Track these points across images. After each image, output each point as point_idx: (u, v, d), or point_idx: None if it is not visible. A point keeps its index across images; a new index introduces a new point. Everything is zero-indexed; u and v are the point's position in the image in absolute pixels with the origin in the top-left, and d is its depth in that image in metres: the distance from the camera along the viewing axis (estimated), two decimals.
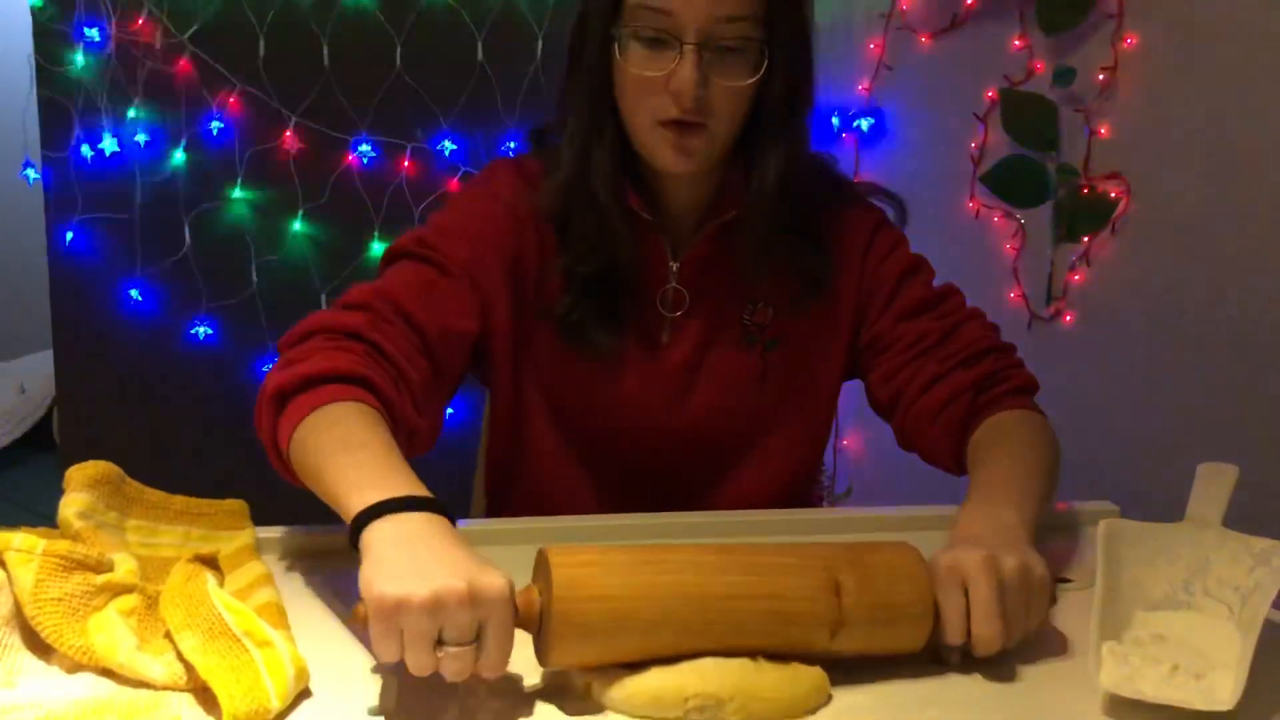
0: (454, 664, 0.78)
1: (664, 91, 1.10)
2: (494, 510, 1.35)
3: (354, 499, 0.85)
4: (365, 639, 0.93)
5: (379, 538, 0.82)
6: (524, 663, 0.90)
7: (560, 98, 1.20)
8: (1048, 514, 1.21)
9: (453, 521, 0.85)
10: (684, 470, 1.27)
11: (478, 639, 0.78)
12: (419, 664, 0.77)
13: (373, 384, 1.00)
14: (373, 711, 0.82)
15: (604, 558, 0.84)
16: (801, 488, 1.34)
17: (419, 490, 0.86)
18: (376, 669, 0.87)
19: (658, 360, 1.23)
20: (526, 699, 0.85)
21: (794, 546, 0.91)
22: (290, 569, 1.06)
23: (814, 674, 0.86)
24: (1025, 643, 0.91)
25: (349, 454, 0.91)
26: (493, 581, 0.78)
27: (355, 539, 0.84)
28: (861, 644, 0.88)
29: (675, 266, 1.22)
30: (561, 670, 0.85)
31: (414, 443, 1.07)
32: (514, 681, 0.86)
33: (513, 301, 1.19)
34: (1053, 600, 0.94)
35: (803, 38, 1.17)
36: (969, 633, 0.87)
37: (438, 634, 0.77)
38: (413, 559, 0.79)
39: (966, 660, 0.89)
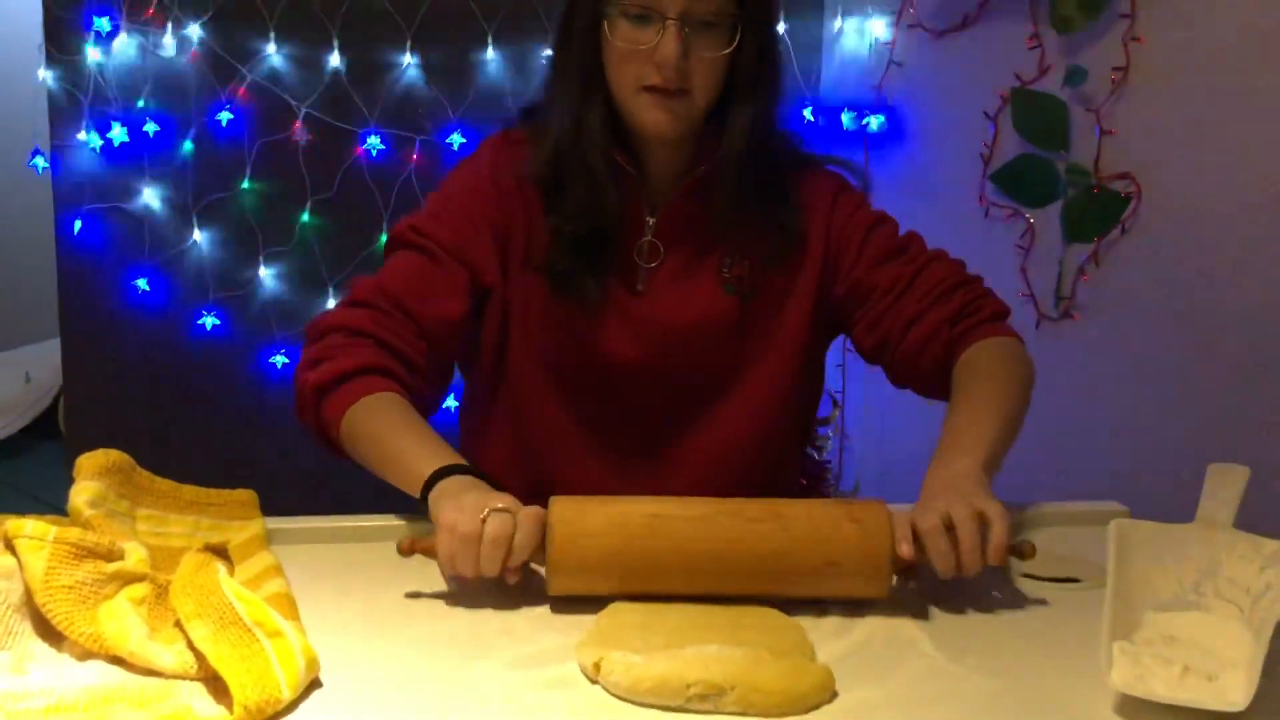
0: (496, 519, 0.98)
1: (648, 61, 1.21)
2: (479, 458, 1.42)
3: (419, 468, 1.08)
4: (377, 630, 0.94)
5: (437, 493, 1.05)
6: (534, 658, 0.90)
7: (550, 72, 1.32)
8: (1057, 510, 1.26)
9: (493, 484, 1.07)
10: (664, 412, 1.34)
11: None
12: (470, 520, 0.98)
13: (393, 373, 1.20)
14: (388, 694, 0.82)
15: (599, 501, 1.03)
16: (781, 441, 1.40)
17: (459, 460, 1.10)
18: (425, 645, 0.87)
19: (636, 307, 1.32)
20: (536, 684, 0.85)
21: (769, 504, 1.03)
22: (300, 559, 1.06)
23: (819, 670, 0.86)
24: (1025, 601, 1.03)
25: (398, 437, 1.14)
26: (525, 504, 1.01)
27: (424, 496, 1.06)
28: (828, 591, 1.01)
29: (651, 221, 1.31)
30: (566, 596, 1.00)
31: (425, 409, 1.24)
32: (525, 667, 0.87)
33: (500, 263, 1.31)
34: (1022, 550, 1.05)
35: (770, 14, 1.30)
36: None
37: (483, 518, 0.98)
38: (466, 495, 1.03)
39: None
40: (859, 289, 1.33)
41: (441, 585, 1.04)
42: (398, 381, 1.20)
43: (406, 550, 1.02)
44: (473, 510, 0.99)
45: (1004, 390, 1.22)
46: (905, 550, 1.01)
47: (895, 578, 1.03)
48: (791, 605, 1.00)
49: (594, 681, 0.86)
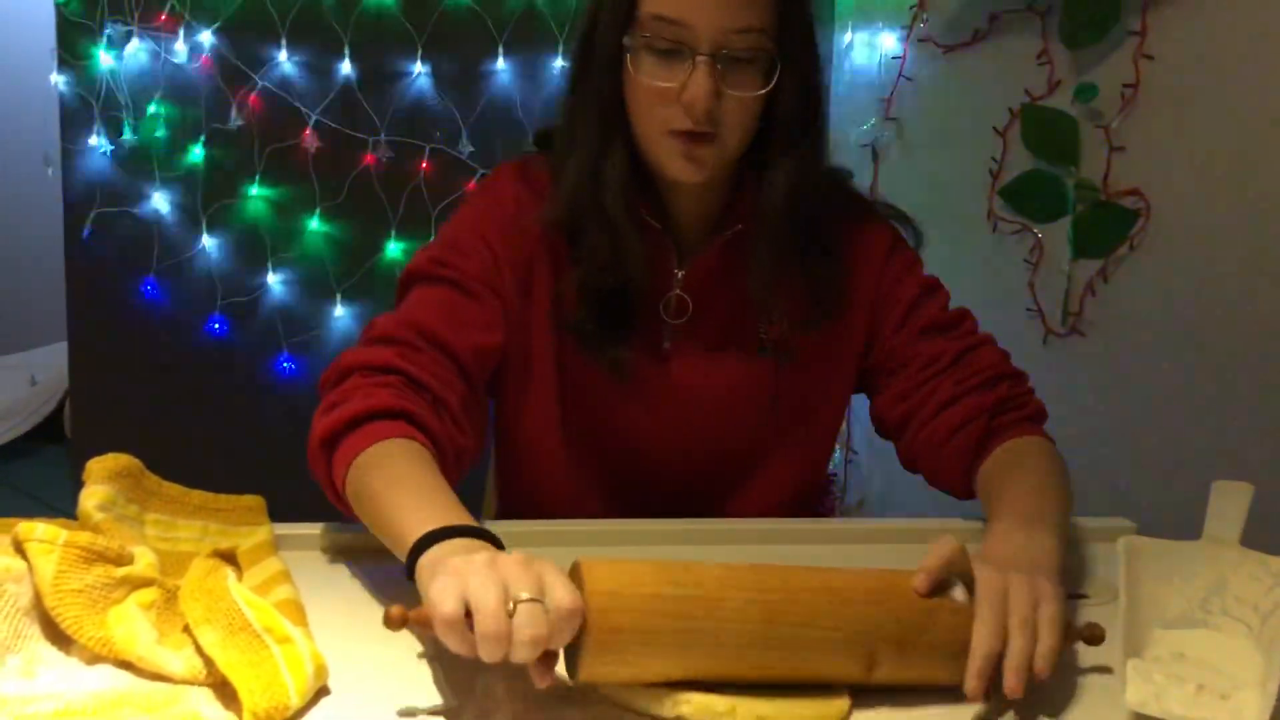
0: (525, 610, 0.75)
1: (675, 102, 1.09)
2: (504, 512, 1.36)
3: (409, 529, 0.87)
4: (385, 636, 0.94)
5: (427, 561, 0.83)
6: None
7: (565, 107, 1.19)
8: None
9: (496, 544, 0.86)
10: (690, 481, 1.26)
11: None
12: (491, 612, 0.74)
13: (412, 416, 1.02)
14: (401, 712, 0.82)
15: (636, 573, 0.81)
16: (809, 500, 1.34)
17: (464, 519, 0.88)
18: (431, 655, 0.87)
19: (660, 368, 1.22)
20: (544, 695, 0.85)
21: (839, 601, 0.84)
22: (308, 566, 1.06)
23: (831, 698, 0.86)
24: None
25: (397, 492, 0.93)
26: (543, 559, 0.80)
27: (411, 571, 0.85)
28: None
29: (680, 274, 1.21)
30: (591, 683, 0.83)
31: (462, 460, 1.09)
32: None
33: (527, 302, 1.20)
34: (1093, 636, 0.91)
35: (812, 51, 1.17)
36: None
37: (505, 593, 0.75)
38: (460, 552, 0.82)
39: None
40: (894, 358, 1.22)
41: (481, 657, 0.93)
42: (421, 427, 1.02)
43: (396, 622, 0.79)
44: (484, 591, 0.75)
45: (1060, 480, 1.09)
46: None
47: None
48: None
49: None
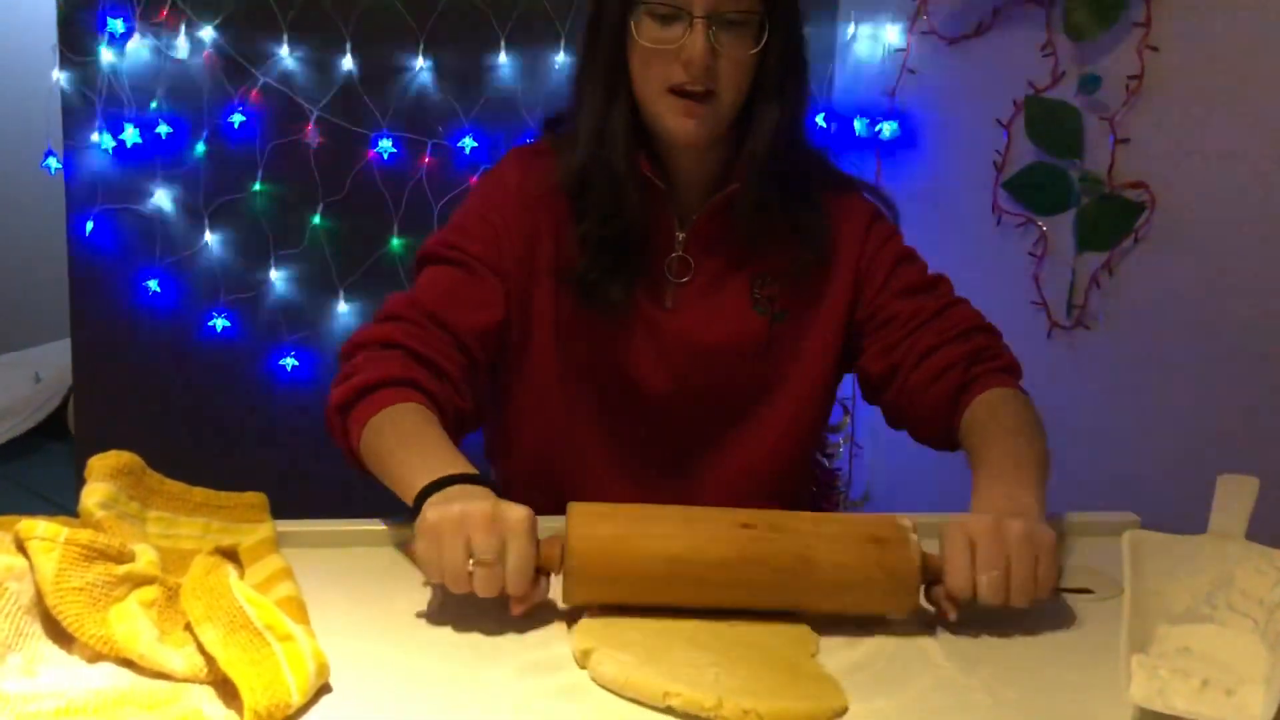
0: (481, 574, 0.92)
1: (674, 61, 1.19)
2: (507, 477, 1.41)
3: (416, 480, 1.00)
4: (387, 634, 0.94)
5: (432, 502, 0.96)
6: (545, 664, 0.89)
7: (575, 78, 1.30)
8: (1068, 520, 1.24)
9: (496, 491, 0.99)
10: (689, 431, 1.33)
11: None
12: (455, 575, 0.92)
13: (417, 383, 1.15)
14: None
15: (617, 511, 0.98)
16: (803, 460, 1.40)
17: (464, 468, 1.02)
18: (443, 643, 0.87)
19: (664, 323, 1.30)
20: (546, 691, 0.84)
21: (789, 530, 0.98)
22: (310, 563, 1.06)
23: (825, 687, 0.86)
24: (1038, 613, 0.98)
25: (406, 449, 1.07)
26: (513, 510, 0.94)
27: (416, 514, 0.97)
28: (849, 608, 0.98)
29: (681, 236, 1.30)
30: (580, 606, 0.97)
31: (464, 422, 1.22)
32: (536, 674, 0.86)
33: (528, 270, 1.28)
34: (1059, 587, 1.00)
35: (796, 16, 1.28)
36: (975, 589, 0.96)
37: (468, 551, 0.92)
38: (453, 499, 0.95)
39: (968, 610, 0.98)
40: (878, 316, 1.31)
41: (452, 593, 1.03)
42: (424, 393, 1.15)
43: (412, 555, 0.98)
44: (451, 512, 0.93)
45: (1037, 435, 1.18)
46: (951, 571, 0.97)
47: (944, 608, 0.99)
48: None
49: (583, 668, 0.88)
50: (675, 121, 1.21)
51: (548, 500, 1.10)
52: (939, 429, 1.28)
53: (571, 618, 0.96)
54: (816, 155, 1.35)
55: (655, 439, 1.32)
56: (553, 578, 0.98)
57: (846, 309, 1.32)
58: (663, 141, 1.26)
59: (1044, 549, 0.97)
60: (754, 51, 1.21)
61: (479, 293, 1.25)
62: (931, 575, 0.98)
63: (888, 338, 1.30)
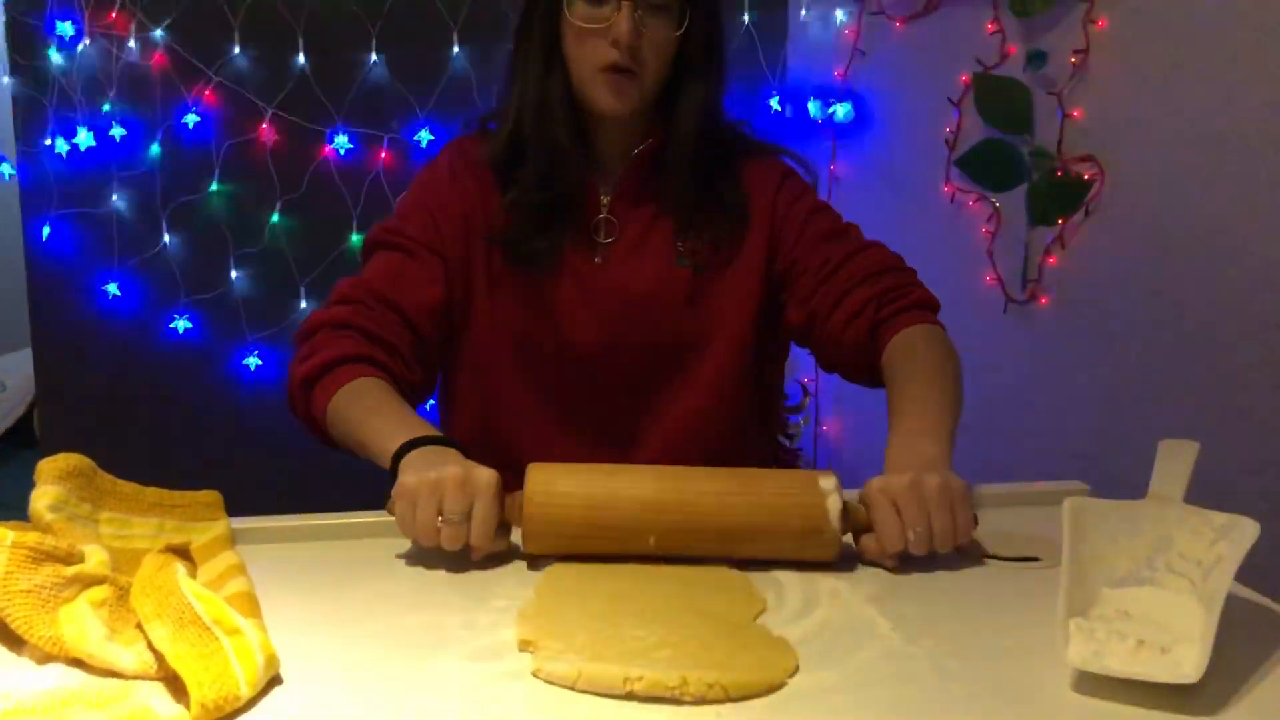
0: (449, 530, 1.03)
1: (604, 39, 1.29)
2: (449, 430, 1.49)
3: (390, 445, 1.11)
4: (340, 628, 0.94)
5: (408, 462, 1.08)
6: (494, 650, 0.90)
7: (511, 58, 1.39)
8: (1016, 488, 1.27)
9: (463, 451, 1.10)
10: (622, 387, 1.40)
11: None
12: (426, 532, 1.03)
13: (372, 359, 1.27)
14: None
15: (571, 470, 1.08)
16: (738, 419, 1.45)
17: (432, 432, 1.13)
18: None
19: (593, 277, 1.38)
20: (495, 676, 0.85)
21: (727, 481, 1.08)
22: (265, 558, 1.06)
23: (777, 649, 0.87)
24: (984, 582, 1.02)
25: (377, 417, 1.18)
26: (483, 473, 1.05)
27: (394, 472, 1.09)
28: (776, 553, 1.07)
29: (606, 199, 1.40)
30: (539, 555, 1.08)
31: (416, 393, 1.33)
32: (485, 659, 0.87)
33: (465, 241, 1.38)
34: (974, 520, 1.08)
35: (718, 2, 1.37)
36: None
37: (438, 509, 1.03)
38: (429, 464, 1.06)
39: (904, 562, 1.07)
40: (795, 267, 1.39)
41: (409, 581, 1.04)
42: (381, 368, 1.26)
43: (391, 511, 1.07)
44: (426, 474, 1.04)
45: (949, 376, 1.26)
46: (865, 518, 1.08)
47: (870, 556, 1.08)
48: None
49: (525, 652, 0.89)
50: (604, 97, 1.32)
51: (494, 458, 1.14)
52: (863, 369, 1.37)
53: (520, 601, 0.97)
54: (734, 128, 1.44)
55: (591, 396, 1.40)
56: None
57: (764, 263, 1.40)
58: (589, 113, 1.36)
59: (959, 498, 1.06)
60: (676, 34, 1.32)
61: (422, 273, 1.36)
62: (856, 526, 1.08)
63: (804, 288, 1.38)
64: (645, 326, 1.39)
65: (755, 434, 1.48)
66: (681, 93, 1.36)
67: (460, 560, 1.06)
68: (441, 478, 1.03)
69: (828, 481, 1.08)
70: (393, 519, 1.06)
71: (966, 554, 1.10)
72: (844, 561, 1.08)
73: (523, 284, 1.38)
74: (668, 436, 1.40)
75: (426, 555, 1.08)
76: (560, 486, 1.06)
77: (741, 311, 1.40)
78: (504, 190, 1.38)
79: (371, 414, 1.19)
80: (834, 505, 1.06)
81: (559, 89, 1.34)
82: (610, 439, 1.40)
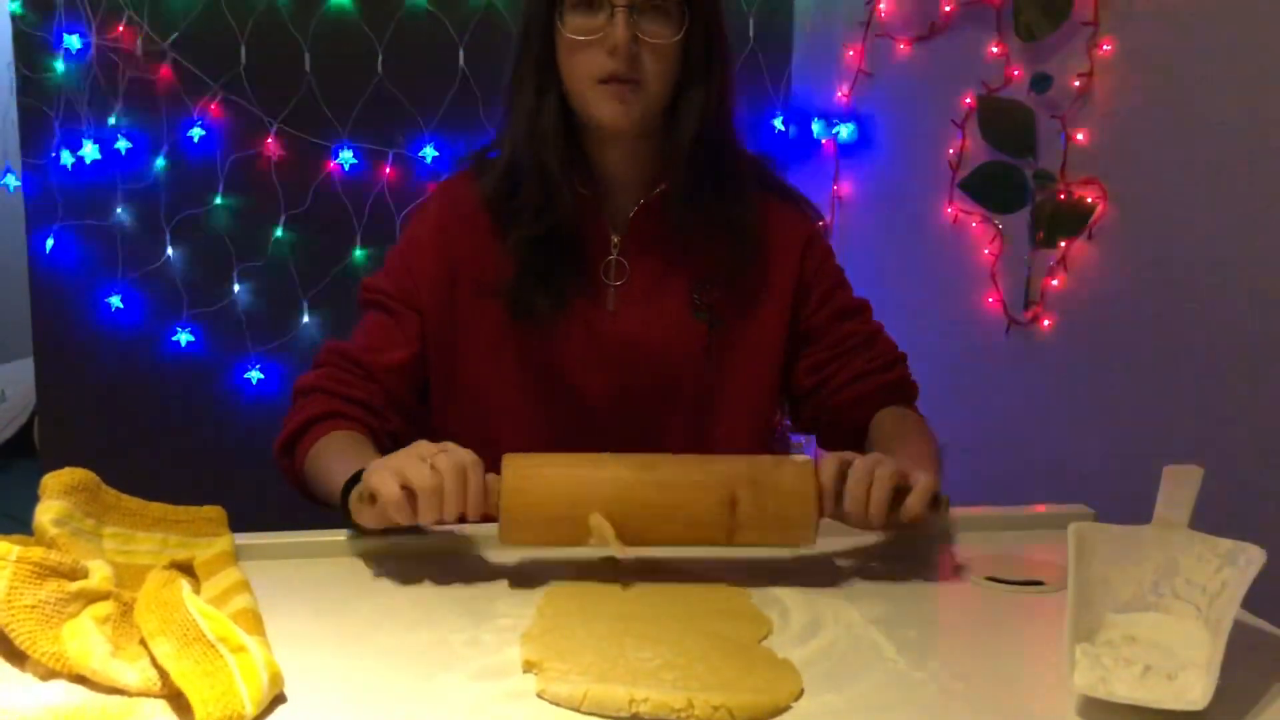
0: (447, 460, 1.02)
1: (600, 50, 1.23)
2: None
3: (337, 484, 1.11)
4: (344, 645, 0.94)
5: (369, 469, 1.05)
6: (499, 669, 0.90)
7: (506, 86, 1.33)
8: (1019, 512, 1.28)
9: None
10: (633, 439, 1.31)
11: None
12: (419, 478, 1.01)
13: (342, 414, 1.27)
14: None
15: (547, 461, 1.08)
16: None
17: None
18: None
19: (605, 325, 1.33)
20: (501, 695, 0.85)
21: (705, 463, 1.08)
22: (268, 575, 1.06)
23: (783, 671, 0.87)
24: (989, 606, 0.98)
25: (338, 461, 1.17)
26: (462, 449, 1.04)
27: (345, 505, 1.09)
28: (755, 542, 1.07)
29: (616, 240, 1.34)
30: (516, 546, 1.09)
31: (399, 441, 1.22)
32: (490, 678, 0.87)
33: (452, 297, 1.33)
34: (945, 508, 1.10)
35: (718, 4, 1.31)
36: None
37: (426, 465, 1.02)
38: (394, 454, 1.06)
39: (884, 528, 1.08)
40: (812, 333, 1.39)
41: (413, 599, 1.04)
42: (351, 420, 1.27)
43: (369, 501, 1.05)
44: (413, 467, 1.02)
45: (931, 439, 1.31)
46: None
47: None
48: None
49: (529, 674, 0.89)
50: (606, 108, 1.26)
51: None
52: (851, 439, 1.37)
53: (524, 619, 0.97)
54: (750, 155, 1.38)
55: (601, 445, 1.31)
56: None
57: (788, 323, 1.38)
58: (594, 136, 1.30)
59: (919, 479, 1.06)
60: (676, 39, 1.25)
61: (397, 331, 1.33)
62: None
63: (818, 356, 1.38)
64: (658, 379, 1.34)
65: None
66: (680, 102, 1.29)
67: (464, 578, 1.06)
68: (417, 448, 1.04)
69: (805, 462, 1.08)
70: (396, 539, 1.05)
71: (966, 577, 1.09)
72: (846, 579, 1.08)
73: (520, 335, 1.33)
74: None
75: (431, 573, 1.07)
76: (539, 473, 1.06)
77: (762, 367, 1.38)
78: (503, 230, 1.32)
79: (334, 460, 1.19)
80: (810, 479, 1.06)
81: (552, 109, 1.28)
82: None
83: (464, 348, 1.34)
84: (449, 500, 1.01)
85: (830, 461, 1.07)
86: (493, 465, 1.33)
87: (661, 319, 1.34)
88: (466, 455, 1.04)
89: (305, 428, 1.26)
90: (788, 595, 1.05)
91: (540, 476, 1.06)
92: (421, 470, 1.01)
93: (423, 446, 1.04)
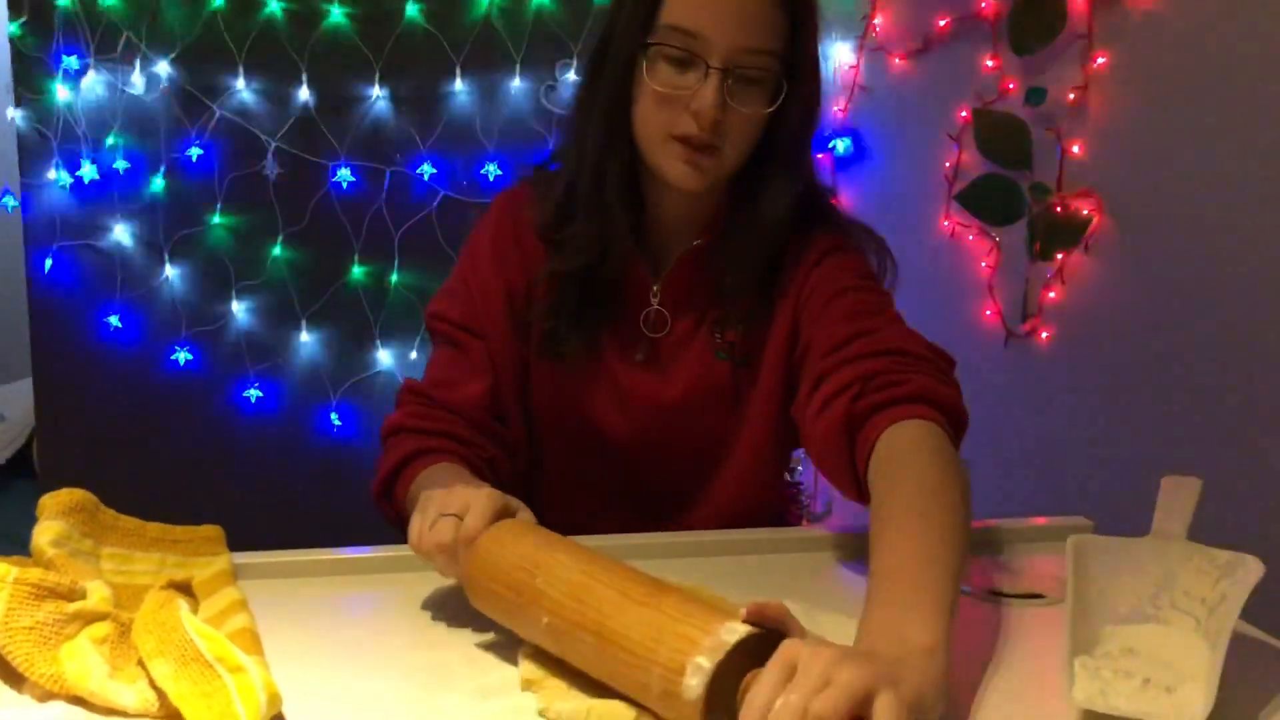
0: (444, 525, 0.96)
1: (683, 109, 1.14)
2: None
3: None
4: (342, 665, 0.94)
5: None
6: (498, 687, 0.90)
7: (575, 108, 1.25)
8: (1022, 526, 1.25)
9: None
10: (656, 477, 1.31)
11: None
12: (416, 535, 0.98)
13: (433, 450, 1.18)
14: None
15: (523, 533, 0.96)
16: (774, 498, 1.39)
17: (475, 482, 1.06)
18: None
19: (628, 376, 1.28)
20: (500, 713, 0.85)
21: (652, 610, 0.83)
22: (267, 594, 1.06)
23: None
24: (988, 619, 0.95)
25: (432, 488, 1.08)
26: (477, 491, 0.99)
27: None
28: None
29: (656, 289, 1.27)
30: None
31: (496, 466, 1.23)
32: (489, 697, 0.87)
33: (511, 322, 1.28)
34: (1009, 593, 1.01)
35: (817, 79, 1.21)
36: None
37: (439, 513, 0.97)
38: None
39: None
40: (808, 351, 1.20)
41: (412, 618, 1.04)
42: (442, 454, 1.18)
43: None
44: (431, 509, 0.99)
45: (948, 508, 0.92)
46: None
47: None
48: None
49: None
50: (676, 169, 1.17)
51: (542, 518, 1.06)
52: (843, 475, 1.09)
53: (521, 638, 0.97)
54: (825, 209, 1.28)
55: (624, 485, 1.32)
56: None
57: (788, 351, 1.25)
58: (654, 180, 1.22)
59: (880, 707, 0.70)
60: (767, 111, 1.16)
61: (464, 365, 1.26)
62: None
63: (804, 384, 1.18)
64: (681, 429, 1.28)
65: (778, 494, 1.42)
66: (766, 181, 1.19)
67: (461, 596, 1.06)
68: (451, 488, 1.00)
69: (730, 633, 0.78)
70: (392, 555, 1.05)
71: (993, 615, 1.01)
72: (846, 590, 1.08)
73: (551, 373, 1.28)
74: (700, 522, 1.30)
75: (430, 591, 1.07)
76: (501, 544, 0.94)
77: (773, 401, 1.26)
78: (549, 258, 1.25)
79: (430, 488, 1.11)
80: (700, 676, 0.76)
81: (621, 157, 1.20)
82: (645, 524, 1.27)
83: (530, 373, 1.30)
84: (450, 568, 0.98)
85: (762, 687, 0.71)
86: (540, 494, 1.33)
87: (686, 371, 1.27)
88: (445, 532, 0.96)
89: (399, 469, 1.18)
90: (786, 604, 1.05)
91: (500, 550, 0.94)
92: (432, 518, 0.98)
93: (432, 506, 0.99)
